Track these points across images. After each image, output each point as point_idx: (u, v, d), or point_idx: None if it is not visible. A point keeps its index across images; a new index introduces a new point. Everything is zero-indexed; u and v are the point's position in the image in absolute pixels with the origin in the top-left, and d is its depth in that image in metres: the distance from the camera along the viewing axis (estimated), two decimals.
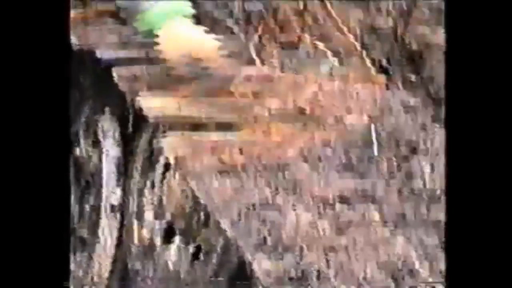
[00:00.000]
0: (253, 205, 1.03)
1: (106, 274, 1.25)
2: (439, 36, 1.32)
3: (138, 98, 1.16)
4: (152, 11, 1.21)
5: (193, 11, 1.24)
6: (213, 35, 1.22)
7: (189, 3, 1.24)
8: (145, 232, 1.20)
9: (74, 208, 1.29)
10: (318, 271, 0.98)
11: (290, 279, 0.98)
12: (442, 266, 0.99)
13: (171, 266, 1.16)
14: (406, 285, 1.00)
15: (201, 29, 1.23)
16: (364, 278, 0.99)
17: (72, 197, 1.30)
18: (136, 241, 1.22)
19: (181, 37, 1.20)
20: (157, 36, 1.19)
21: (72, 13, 1.22)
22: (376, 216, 1.06)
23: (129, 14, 1.23)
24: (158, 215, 1.20)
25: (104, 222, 1.25)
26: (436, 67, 1.32)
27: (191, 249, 1.13)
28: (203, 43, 1.21)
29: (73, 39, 1.21)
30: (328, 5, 1.33)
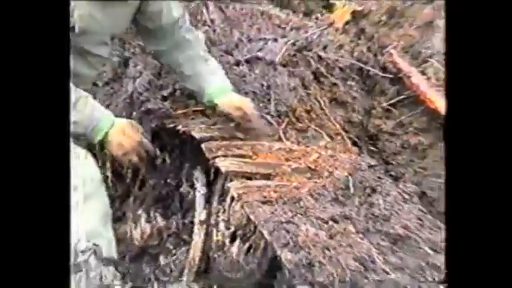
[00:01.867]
0: (281, 222, 1.20)
1: (197, 260, 1.50)
2: (387, 123, 1.68)
3: (216, 160, 1.45)
4: (211, 88, 1.49)
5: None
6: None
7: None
8: (220, 236, 1.47)
9: (179, 221, 1.55)
10: (319, 261, 1.10)
11: (303, 265, 1.10)
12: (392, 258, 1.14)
13: (234, 256, 1.40)
14: (368, 269, 1.08)
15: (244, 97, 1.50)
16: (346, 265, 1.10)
17: (179, 216, 1.57)
18: (214, 241, 1.49)
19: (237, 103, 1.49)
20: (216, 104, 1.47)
21: (179, 111, 1.55)
22: (352, 229, 1.25)
23: (198, 94, 1.52)
24: (227, 227, 1.46)
25: (196, 230, 1.52)
26: (387, 142, 1.66)
27: (245, 247, 1.36)
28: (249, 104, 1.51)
29: (179, 127, 1.53)
30: (324, 106, 1.65)
